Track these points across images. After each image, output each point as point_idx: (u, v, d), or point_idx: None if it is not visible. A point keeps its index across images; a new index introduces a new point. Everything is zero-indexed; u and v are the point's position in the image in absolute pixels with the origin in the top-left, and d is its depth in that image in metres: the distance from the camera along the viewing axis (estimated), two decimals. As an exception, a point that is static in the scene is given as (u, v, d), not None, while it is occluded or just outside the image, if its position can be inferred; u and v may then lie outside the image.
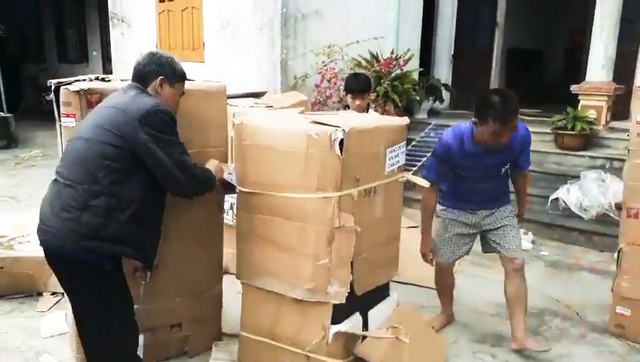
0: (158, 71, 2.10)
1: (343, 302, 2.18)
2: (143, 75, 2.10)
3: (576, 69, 7.76)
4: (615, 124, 5.96)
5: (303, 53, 6.07)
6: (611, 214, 4.45)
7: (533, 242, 4.51)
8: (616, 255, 3.06)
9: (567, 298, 3.47)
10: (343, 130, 2.06)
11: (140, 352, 2.17)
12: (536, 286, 3.62)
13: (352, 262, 2.20)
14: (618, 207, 3.77)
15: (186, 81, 2.24)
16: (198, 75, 2.69)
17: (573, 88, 5.97)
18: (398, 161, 2.47)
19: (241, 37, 6.35)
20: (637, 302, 2.91)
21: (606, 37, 5.84)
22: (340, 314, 2.23)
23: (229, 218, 3.33)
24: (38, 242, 1.95)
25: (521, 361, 2.72)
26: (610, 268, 3.97)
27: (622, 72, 6.19)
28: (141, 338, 2.17)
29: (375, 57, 6.24)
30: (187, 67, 2.27)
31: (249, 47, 6.26)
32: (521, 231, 4.63)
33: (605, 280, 3.73)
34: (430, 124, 6.88)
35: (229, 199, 3.21)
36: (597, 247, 4.40)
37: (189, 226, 2.47)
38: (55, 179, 1.96)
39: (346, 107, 3.76)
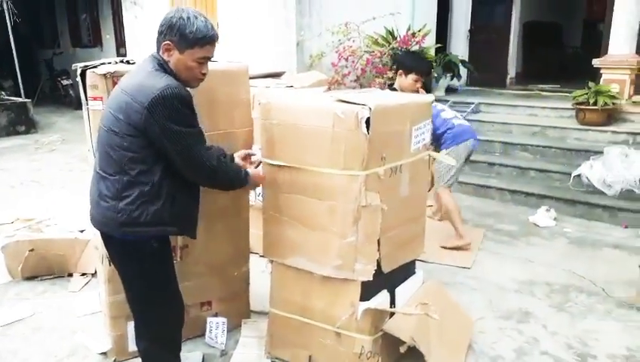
0: (165, 34, 1.89)
1: (371, 279, 2.19)
2: (157, 40, 1.93)
3: (596, 42, 7.58)
4: (639, 98, 5.84)
5: (319, 32, 6.00)
6: (636, 190, 4.39)
7: (555, 219, 4.47)
8: (643, 230, 3.03)
9: (592, 274, 3.45)
10: (369, 108, 2.04)
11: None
12: (559, 262, 3.62)
13: (378, 240, 2.21)
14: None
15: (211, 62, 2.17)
16: (217, 57, 2.67)
17: (595, 62, 5.84)
18: (424, 139, 2.45)
19: (255, 16, 6.30)
20: (664, 276, 2.88)
21: (629, 7, 5.68)
22: (368, 291, 2.25)
23: (253, 198, 3.35)
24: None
25: (547, 336, 2.73)
26: (636, 244, 3.95)
27: (646, 45, 6.03)
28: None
29: (391, 34, 6.16)
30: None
31: (264, 26, 6.21)
32: (544, 207, 4.62)
33: (631, 256, 3.70)
34: (448, 101, 6.81)
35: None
36: (621, 223, 4.35)
37: (216, 206, 2.49)
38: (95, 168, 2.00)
39: (391, 86, 3.61)
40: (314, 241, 2.24)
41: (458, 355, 2.44)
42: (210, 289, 2.63)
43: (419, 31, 6.22)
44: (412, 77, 3.32)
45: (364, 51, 5.98)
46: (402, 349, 2.18)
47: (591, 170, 4.63)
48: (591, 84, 5.58)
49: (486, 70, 8.12)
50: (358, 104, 2.08)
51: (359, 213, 2.14)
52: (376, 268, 2.21)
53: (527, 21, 9.36)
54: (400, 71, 3.47)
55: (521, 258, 3.73)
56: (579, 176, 4.73)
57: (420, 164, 2.46)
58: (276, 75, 4.14)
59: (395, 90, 3.34)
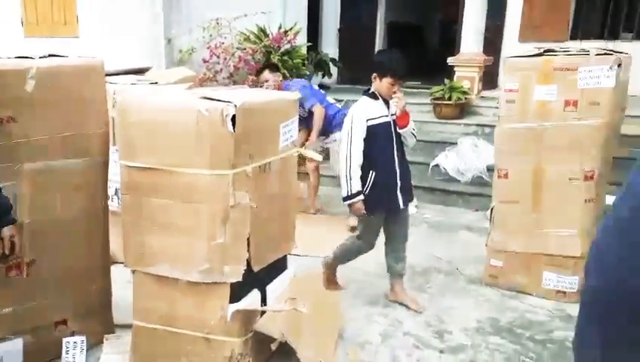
0: None
1: (240, 279, 2.18)
2: None
3: (452, 42, 8.31)
4: (485, 93, 6.53)
5: (189, 28, 5.81)
6: (484, 176, 4.91)
7: (416, 207, 4.83)
8: (488, 213, 3.39)
9: (449, 255, 3.80)
10: (235, 105, 2.02)
11: (18, 358, 1.99)
12: (421, 246, 3.92)
13: (248, 239, 2.20)
14: (490, 169, 4.18)
15: (58, 57, 2.02)
16: (71, 52, 2.46)
17: (450, 60, 6.41)
18: (291, 136, 2.49)
19: (120, 10, 5.89)
20: (507, 253, 3.26)
21: (476, 10, 6.32)
22: (237, 292, 2.23)
23: (114, 204, 3.15)
24: None
25: (409, 317, 2.94)
26: (484, 225, 4.41)
27: (490, 45, 6.77)
28: (19, 342, 1.99)
29: (264, 31, 6.17)
30: (58, 43, 2.05)
31: (129, 20, 5.84)
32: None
33: (480, 236, 4.12)
34: (320, 98, 6.99)
35: (114, 184, 3.02)
36: (473, 207, 4.84)
37: (66, 216, 2.29)
38: None
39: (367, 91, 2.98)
40: (179, 246, 2.16)
41: (328, 346, 2.53)
42: (64, 307, 2.41)
43: (290, 29, 6.31)
44: (387, 80, 2.79)
45: (237, 48, 5.92)
46: (273, 346, 2.21)
47: (446, 160, 5.09)
48: (446, 80, 6.12)
49: (355, 68, 8.48)
50: (224, 101, 2.05)
51: (228, 214, 2.12)
52: (245, 267, 2.21)
53: (390, 21, 9.95)
54: (374, 74, 2.87)
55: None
56: (437, 165, 5.17)
57: (289, 160, 2.50)
58: (140, 72, 3.92)
59: (375, 96, 2.88)
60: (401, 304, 3.05)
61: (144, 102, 2.20)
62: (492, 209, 3.31)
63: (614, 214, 1.02)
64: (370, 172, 2.85)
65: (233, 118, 2.02)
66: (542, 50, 3.05)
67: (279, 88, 4.35)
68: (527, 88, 3.05)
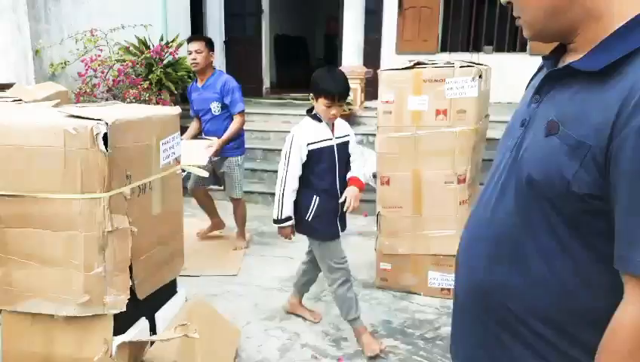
0: None
1: (124, 309, 2.04)
2: None
3: (334, 54, 8.61)
4: (368, 103, 6.83)
5: (60, 39, 5.37)
6: (370, 183, 5.11)
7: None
8: (375, 218, 3.53)
9: (343, 262, 3.88)
10: (106, 123, 1.89)
11: None
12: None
13: (130, 266, 2.06)
14: (375, 175, 4.36)
15: None
16: None
17: (334, 73, 6.61)
18: (173, 153, 2.39)
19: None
20: (395, 257, 3.42)
21: (355, 25, 6.60)
22: (123, 322, 2.08)
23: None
24: None
25: (307, 328, 2.96)
26: (373, 229, 4.58)
27: (370, 57, 7.11)
28: None
29: (144, 43, 5.90)
30: None
31: (-15, 30, 5.26)
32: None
33: (370, 241, 4.27)
34: (208, 111, 6.85)
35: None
36: (363, 213, 5.02)
37: None
38: None
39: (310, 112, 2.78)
40: (52, 279, 1.97)
41: (225, 367, 2.46)
42: None
43: (172, 41, 6.11)
44: (322, 102, 2.58)
45: (116, 60, 5.59)
46: (166, 376, 2.09)
47: (337, 170, 5.22)
48: (331, 92, 6.29)
49: (244, 80, 8.40)
50: (93, 119, 1.90)
51: (105, 240, 1.96)
52: (129, 296, 2.07)
53: (277, 34, 10.07)
54: (311, 94, 2.69)
55: (283, 257, 3.98)
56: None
57: (172, 178, 2.39)
58: (1, 88, 3.53)
59: (318, 118, 2.70)
60: (297, 316, 3.05)
61: (2, 124, 1.97)
62: (378, 214, 3.45)
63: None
64: (314, 197, 2.69)
65: (105, 137, 1.89)
66: (413, 63, 3.26)
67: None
68: (402, 99, 3.24)
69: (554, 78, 0.94)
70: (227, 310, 2.92)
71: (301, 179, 2.69)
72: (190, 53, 3.99)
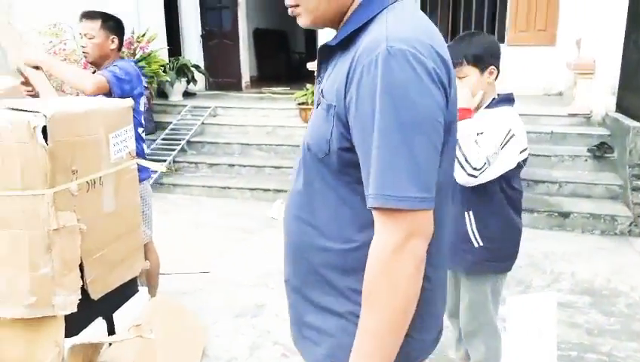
0: None
1: (75, 311, 1.93)
2: None
3: (315, 48, 8.49)
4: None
5: (22, 32, 5.20)
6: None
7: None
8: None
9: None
10: (45, 116, 1.78)
11: None
12: (277, 248, 3.88)
13: (82, 265, 1.96)
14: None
15: None
16: None
17: (309, 65, 6.51)
18: (126, 147, 2.27)
19: None
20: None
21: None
22: (76, 323, 1.98)
23: None
24: None
25: (279, 325, 2.86)
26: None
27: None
28: None
29: (113, 37, 5.75)
30: None
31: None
32: (279, 201, 4.92)
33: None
34: (186, 106, 6.72)
35: None
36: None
37: None
38: None
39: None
40: (-5, 280, 1.86)
41: (189, 368, 2.36)
42: None
43: (143, 35, 5.97)
44: (495, 73, 1.83)
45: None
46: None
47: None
48: (309, 85, 6.19)
49: (223, 75, 8.32)
50: (31, 111, 1.79)
51: (51, 239, 1.86)
52: (82, 296, 1.96)
53: (256, 28, 9.92)
54: (489, 66, 1.88)
55: (258, 252, 3.89)
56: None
57: (126, 173, 2.27)
58: (-44, 84, 3.37)
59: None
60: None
61: None
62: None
63: None
64: None
65: (45, 131, 1.77)
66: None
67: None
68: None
69: (323, 58, 1.10)
70: (197, 308, 2.83)
71: None
72: (81, 37, 2.76)
